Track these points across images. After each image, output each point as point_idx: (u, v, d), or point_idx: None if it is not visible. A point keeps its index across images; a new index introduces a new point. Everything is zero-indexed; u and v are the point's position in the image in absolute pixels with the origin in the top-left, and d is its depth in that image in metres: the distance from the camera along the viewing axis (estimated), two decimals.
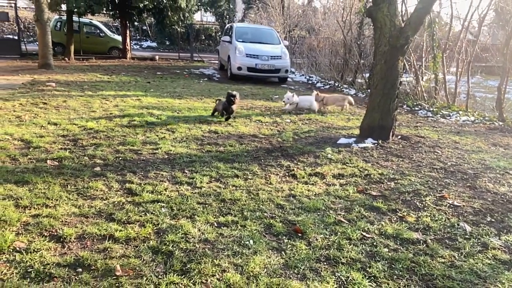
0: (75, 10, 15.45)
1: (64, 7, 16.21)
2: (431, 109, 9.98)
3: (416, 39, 11.58)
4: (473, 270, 2.92)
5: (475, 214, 3.86)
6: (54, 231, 3.12)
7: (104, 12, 17.84)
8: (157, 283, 2.56)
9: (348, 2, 14.78)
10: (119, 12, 18.23)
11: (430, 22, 10.23)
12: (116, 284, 2.53)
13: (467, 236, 3.42)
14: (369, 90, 8.68)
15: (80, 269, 2.66)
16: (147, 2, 16.11)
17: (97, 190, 3.92)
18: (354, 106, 9.79)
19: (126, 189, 3.99)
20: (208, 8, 26.16)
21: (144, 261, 2.79)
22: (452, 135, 7.28)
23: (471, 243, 3.30)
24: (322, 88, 13.85)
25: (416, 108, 10.20)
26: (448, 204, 4.03)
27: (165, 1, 16.97)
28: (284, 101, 8.53)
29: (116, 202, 3.69)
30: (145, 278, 2.60)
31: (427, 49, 10.73)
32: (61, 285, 2.47)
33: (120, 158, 4.86)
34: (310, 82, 15.46)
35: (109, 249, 2.92)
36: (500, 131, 8.00)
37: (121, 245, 3.00)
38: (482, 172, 5.06)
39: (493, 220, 3.75)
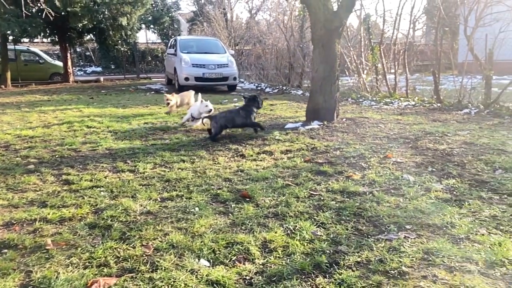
0: (9, 34, 14.77)
1: None
2: (375, 98, 10.34)
3: (356, 35, 12.10)
4: (417, 208, 2.97)
5: (417, 167, 3.97)
6: None
7: (41, 36, 17.17)
8: (92, 251, 2.37)
9: (288, 7, 15.22)
10: (58, 35, 17.61)
11: (365, 17, 10.71)
12: (46, 256, 2.32)
13: (410, 185, 3.48)
14: None
15: (6, 250, 2.42)
16: (86, 22, 15.69)
17: (29, 184, 3.65)
18: (302, 102, 9.95)
19: (63, 180, 3.75)
20: (151, 26, 25.96)
21: (80, 236, 2.60)
22: (394, 115, 7.54)
23: (415, 190, 3.36)
24: (271, 92, 14.01)
25: (361, 100, 10.51)
26: (392, 162, 4.11)
27: (105, 20, 16.62)
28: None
29: (50, 192, 3.44)
30: (79, 249, 2.41)
31: (365, 42, 11.18)
32: None
33: (57, 156, 4.58)
34: (259, 88, 15.61)
35: (40, 229, 2.70)
36: (439, 110, 8.39)
37: (54, 225, 2.78)
38: (423, 137, 5.25)
39: (434, 170, 3.87)
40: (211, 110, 6.28)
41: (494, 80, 9.03)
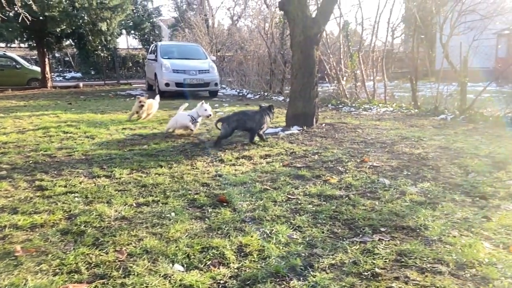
0: None
1: None
2: (354, 105, 10.48)
3: (335, 42, 12.26)
4: (392, 211, 3.00)
5: (393, 170, 4.03)
6: None
7: (19, 40, 16.84)
8: (63, 257, 2.31)
9: (269, 14, 15.33)
10: (35, 40, 17.29)
11: (344, 24, 10.88)
12: (15, 263, 2.25)
13: (386, 188, 3.53)
14: None
15: None
16: (64, 26, 15.46)
17: (0, 190, 3.54)
18: (283, 108, 10.00)
19: (36, 186, 3.66)
20: (132, 31, 25.75)
21: (51, 242, 2.53)
22: (373, 121, 7.65)
23: (391, 193, 3.41)
24: (253, 98, 14.04)
25: (340, 106, 10.64)
26: (368, 166, 4.17)
27: (84, 25, 16.41)
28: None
29: (22, 198, 3.35)
30: (50, 255, 2.35)
31: (344, 49, 11.34)
32: None
33: (31, 162, 4.48)
34: (241, 94, 15.64)
35: (9, 236, 2.62)
36: (416, 116, 8.56)
37: (24, 231, 2.70)
38: (399, 141, 5.35)
39: (409, 173, 3.93)
40: (210, 115, 6.14)
41: (470, 87, 9.24)
